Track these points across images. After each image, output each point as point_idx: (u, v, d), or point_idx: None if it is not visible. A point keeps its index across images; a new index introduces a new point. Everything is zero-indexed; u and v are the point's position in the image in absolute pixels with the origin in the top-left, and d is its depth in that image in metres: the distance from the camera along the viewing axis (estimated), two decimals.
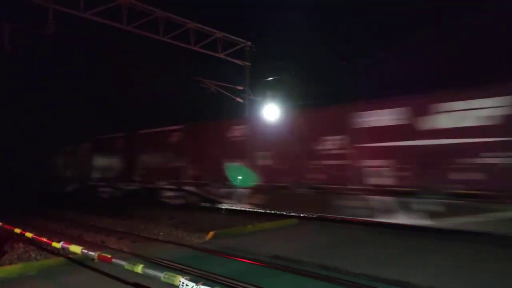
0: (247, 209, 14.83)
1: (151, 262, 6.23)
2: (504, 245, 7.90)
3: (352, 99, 11.46)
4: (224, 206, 15.89)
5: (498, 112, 8.31)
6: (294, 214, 13.34)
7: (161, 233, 10.38)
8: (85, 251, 5.40)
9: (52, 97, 30.16)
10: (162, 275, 3.98)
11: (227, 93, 20.05)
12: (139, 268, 4.37)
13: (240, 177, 13.64)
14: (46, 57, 24.68)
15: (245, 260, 6.57)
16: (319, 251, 7.65)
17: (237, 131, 14.01)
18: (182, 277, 3.75)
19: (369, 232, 9.90)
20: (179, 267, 5.87)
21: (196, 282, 3.58)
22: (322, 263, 6.41)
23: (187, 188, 15.57)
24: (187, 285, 3.62)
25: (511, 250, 7.76)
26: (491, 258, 7.12)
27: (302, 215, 13.06)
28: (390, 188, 9.80)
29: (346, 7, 19.59)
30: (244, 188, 13.60)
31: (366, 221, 10.47)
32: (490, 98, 8.42)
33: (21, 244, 8.41)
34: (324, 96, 17.97)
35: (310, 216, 12.85)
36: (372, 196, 10.15)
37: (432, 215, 9.08)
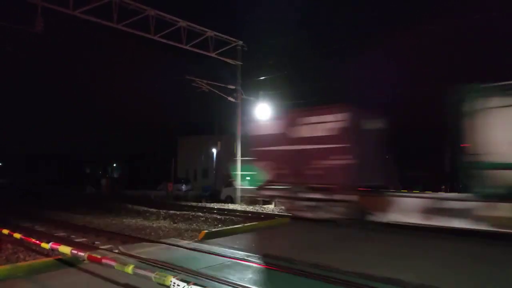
0: (239, 209, 14.84)
1: (141, 262, 6.17)
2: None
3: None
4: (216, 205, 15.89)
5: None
6: (285, 213, 13.37)
7: (152, 233, 10.32)
8: (75, 251, 5.33)
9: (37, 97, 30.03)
10: (153, 275, 3.95)
11: (219, 93, 19.98)
12: (129, 269, 4.32)
13: None
14: (34, 55, 24.37)
15: (236, 260, 6.56)
16: (309, 249, 7.67)
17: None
18: (174, 277, 3.72)
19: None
20: (170, 267, 5.83)
21: (188, 282, 3.56)
22: (312, 261, 6.42)
23: None
24: (178, 285, 3.59)
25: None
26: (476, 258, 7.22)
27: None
28: None
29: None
30: None
31: None
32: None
33: (9, 245, 8.29)
34: (316, 94, 18.06)
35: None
36: None
37: None
